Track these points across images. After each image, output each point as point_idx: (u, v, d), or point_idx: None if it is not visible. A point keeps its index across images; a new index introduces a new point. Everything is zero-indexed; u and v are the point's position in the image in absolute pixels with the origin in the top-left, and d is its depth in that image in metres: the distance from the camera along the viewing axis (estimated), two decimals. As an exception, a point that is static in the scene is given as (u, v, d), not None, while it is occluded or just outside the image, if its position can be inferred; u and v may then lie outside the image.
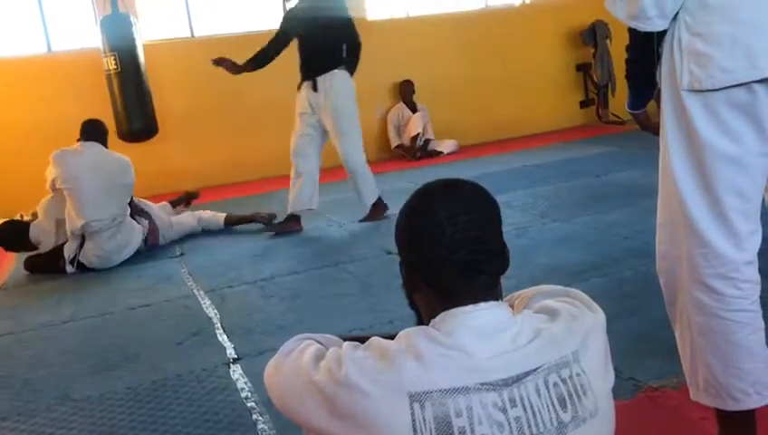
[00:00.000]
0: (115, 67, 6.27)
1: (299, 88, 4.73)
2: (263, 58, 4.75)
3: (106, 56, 6.26)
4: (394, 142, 8.19)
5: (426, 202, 1.13)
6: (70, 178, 4.33)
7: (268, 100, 7.53)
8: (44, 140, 6.82)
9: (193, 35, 7.67)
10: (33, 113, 6.96)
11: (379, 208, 4.81)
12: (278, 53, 4.73)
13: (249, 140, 7.66)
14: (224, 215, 5.16)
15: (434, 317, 1.10)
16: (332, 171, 5.47)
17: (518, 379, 1.03)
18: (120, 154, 4.66)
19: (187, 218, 5.08)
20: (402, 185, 5.81)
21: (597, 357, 1.10)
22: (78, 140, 4.55)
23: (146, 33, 7.15)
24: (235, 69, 4.74)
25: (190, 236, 5.02)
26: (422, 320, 1.17)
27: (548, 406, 1.03)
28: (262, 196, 6.38)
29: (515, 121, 8.72)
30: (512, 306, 1.20)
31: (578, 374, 1.06)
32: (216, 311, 3.31)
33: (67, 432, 2.28)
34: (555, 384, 1.04)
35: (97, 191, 4.33)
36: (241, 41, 7.66)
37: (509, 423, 1.00)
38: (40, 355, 3.06)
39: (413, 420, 1.00)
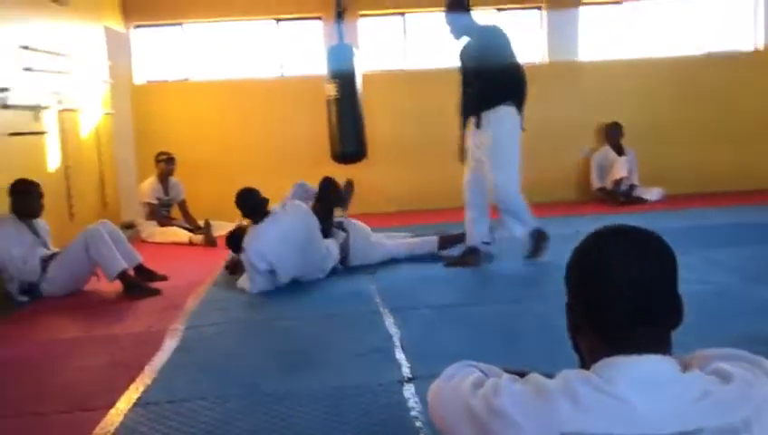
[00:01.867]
0: (335, 93, 6.75)
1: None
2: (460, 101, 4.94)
3: (328, 83, 6.76)
4: (595, 185, 7.97)
5: (597, 246, 1.15)
6: (274, 263, 4.40)
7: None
8: (271, 156, 7.59)
9: (408, 68, 8.05)
10: (263, 130, 7.72)
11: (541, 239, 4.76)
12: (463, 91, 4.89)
13: (451, 170, 7.86)
14: (436, 238, 5.20)
15: (595, 362, 1.11)
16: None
17: None
18: (296, 206, 4.67)
19: (395, 247, 5.16)
20: (599, 230, 5.61)
21: None
22: (251, 219, 4.60)
23: (365, 63, 7.64)
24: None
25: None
26: (585, 364, 1.18)
27: None
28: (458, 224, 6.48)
29: (732, 174, 8.10)
30: (689, 364, 1.18)
31: None
32: (397, 329, 3.45)
33: (251, 420, 2.51)
34: None
35: (296, 262, 4.49)
36: (451, 74, 7.97)
37: None
38: (239, 348, 3.40)
39: None
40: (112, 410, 2.64)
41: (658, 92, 8.04)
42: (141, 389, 2.85)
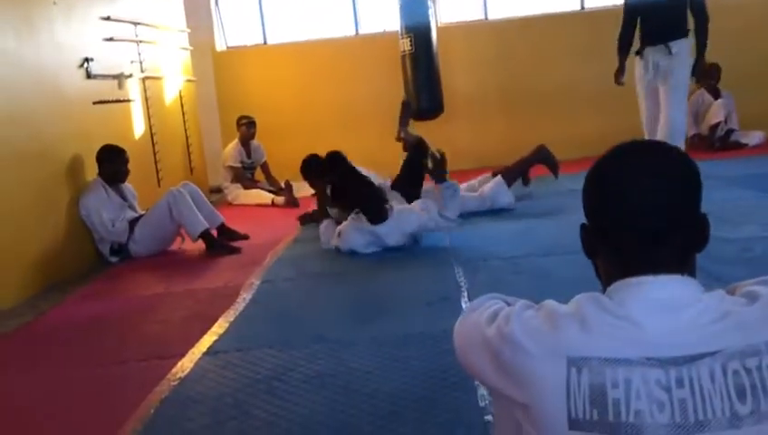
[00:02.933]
0: (410, 48, 6.68)
1: (641, 55, 5.24)
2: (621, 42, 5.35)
3: (402, 38, 6.69)
4: (690, 131, 7.53)
5: (611, 162, 1.08)
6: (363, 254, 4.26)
7: (557, 85, 7.48)
8: (349, 115, 7.61)
9: (487, 18, 7.84)
10: (341, 90, 7.74)
11: None
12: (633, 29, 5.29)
13: (532, 124, 7.66)
14: (500, 178, 5.12)
15: (609, 285, 1.06)
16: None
17: (691, 359, 0.94)
18: (411, 218, 4.26)
19: (470, 199, 5.01)
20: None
21: None
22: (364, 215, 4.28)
23: (442, 15, 7.50)
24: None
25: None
26: (604, 289, 1.12)
27: (722, 394, 0.93)
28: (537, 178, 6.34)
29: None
30: (732, 294, 1.09)
31: None
32: (465, 280, 3.42)
33: (314, 366, 2.56)
34: (735, 372, 0.93)
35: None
36: (533, 22, 7.71)
37: (671, 403, 0.93)
38: (309, 300, 3.46)
39: (568, 384, 0.98)
40: (185, 358, 2.76)
41: (760, 29, 7.48)
42: (213, 338, 2.96)
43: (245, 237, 5.04)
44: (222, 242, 4.80)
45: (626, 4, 5.33)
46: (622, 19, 5.29)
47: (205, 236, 4.71)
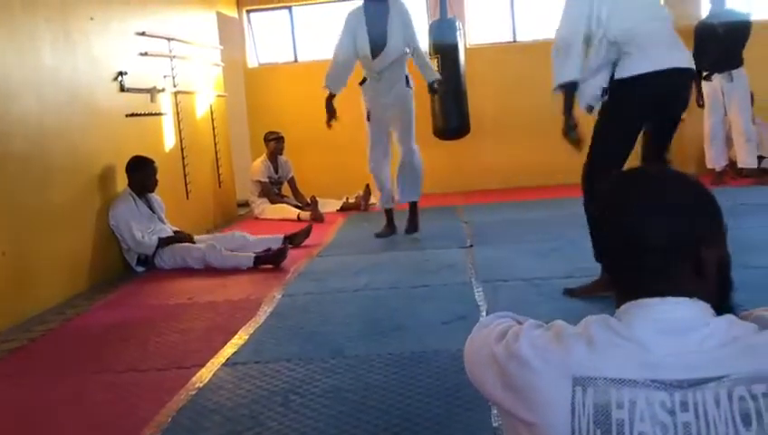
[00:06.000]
0: (437, 68, 6.71)
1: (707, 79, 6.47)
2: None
3: (431, 58, 6.73)
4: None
5: (612, 185, 1.09)
6: None
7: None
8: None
9: (515, 40, 7.87)
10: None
11: None
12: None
13: (558, 145, 7.60)
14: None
15: (619, 307, 1.07)
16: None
17: (696, 383, 0.95)
18: None
19: None
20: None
21: None
22: None
23: (471, 36, 7.54)
24: None
25: (485, 229, 5.24)
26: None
27: (727, 419, 0.93)
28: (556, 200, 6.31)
29: None
30: (746, 319, 1.09)
31: None
32: (485, 300, 3.42)
33: (331, 381, 2.58)
34: (742, 398, 0.94)
35: None
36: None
37: (675, 427, 0.93)
38: (329, 315, 3.48)
39: (572, 404, 0.99)
40: (204, 369, 2.79)
41: None
42: (233, 350, 3.00)
43: (308, 228, 5.49)
44: (269, 256, 4.74)
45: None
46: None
47: (255, 264, 4.67)
